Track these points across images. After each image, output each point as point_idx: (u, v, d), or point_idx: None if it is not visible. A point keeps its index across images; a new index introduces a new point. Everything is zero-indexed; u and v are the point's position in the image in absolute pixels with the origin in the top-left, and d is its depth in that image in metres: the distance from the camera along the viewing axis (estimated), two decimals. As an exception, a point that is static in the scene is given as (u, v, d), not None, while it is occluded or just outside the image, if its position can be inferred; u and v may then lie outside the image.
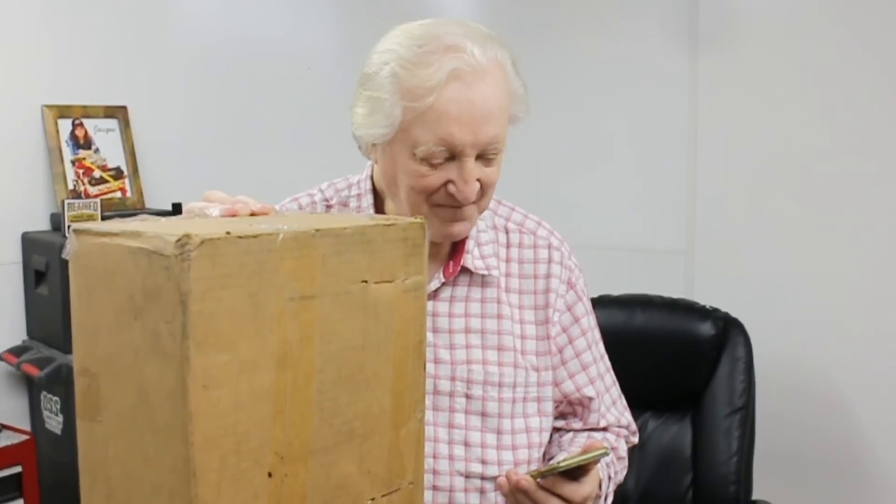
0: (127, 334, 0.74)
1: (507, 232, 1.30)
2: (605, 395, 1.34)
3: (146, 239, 0.72)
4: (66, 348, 2.27)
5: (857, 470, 2.58)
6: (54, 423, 2.35)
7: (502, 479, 1.09)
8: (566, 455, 1.18)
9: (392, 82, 1.11)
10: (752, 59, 2.70)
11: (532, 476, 1.08)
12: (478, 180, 1.14)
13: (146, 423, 0.74)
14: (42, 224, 2.48)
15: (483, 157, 1.14)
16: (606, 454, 1.08)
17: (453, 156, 1.12)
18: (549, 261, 1.29)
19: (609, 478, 1.27)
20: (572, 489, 1.09)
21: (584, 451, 1.08)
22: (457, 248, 1.25)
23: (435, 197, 1.15)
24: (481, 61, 1.10)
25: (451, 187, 1.14)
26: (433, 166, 1.13)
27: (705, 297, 2.36)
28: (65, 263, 0.81)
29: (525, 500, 1.08)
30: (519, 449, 1.23)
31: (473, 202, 1.16)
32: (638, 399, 1.52)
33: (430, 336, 1.20)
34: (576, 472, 1.08)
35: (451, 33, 1.12)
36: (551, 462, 1.16)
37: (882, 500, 2.55)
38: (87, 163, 2.54)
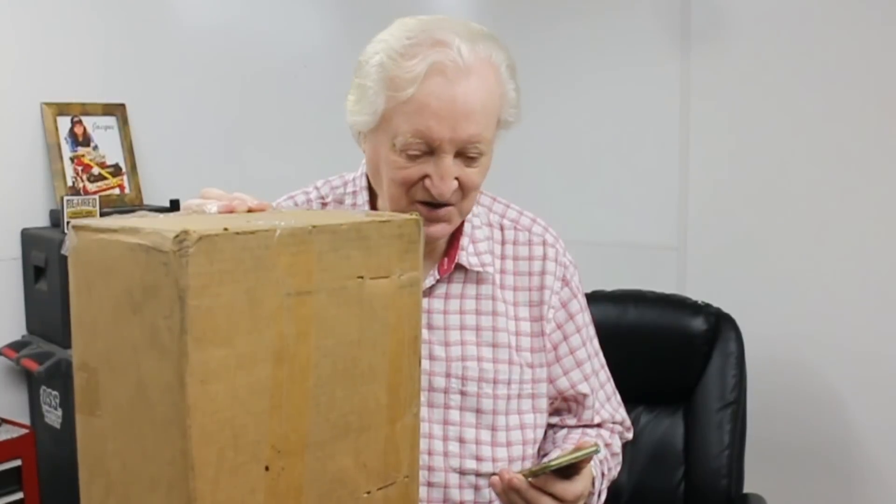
0: (125, 329, 0.75)
1: (501, 229, 1.30)
2: (600, 392, 1.34)
3: (144, 235, 0.73)
4: (66, 343, 2.27)
5: (847, 463, 2.60)
6: (53, 417, 2.36)
7: (495, 479, 1.09)
8: (559, 453, 1.19)
9: (378, 71, 1.12)
10: (744, 55, 2.71)
11: (524, 475, 1.08)
12: (457, 179, 1.13)
13: (144, 418, 0.75)
14: (41, 220, 2.49)
15: (463, 155, 1.13)
16: (597, 452, 1.07)
17: (431, 150, 1.12)
18: (544, 258, 1.29)
19: (602, 474, 1.27)
20: (564, 487, 1.09)
21: (576, 450, 1.08)
22: (452, 245, 1.25)
23: (413, 191, 1.15)
24: (468, 59, 1.10)
25: (427, 182, 1.13)
26: (411, 159, 1.12)
27: (697, 293, 2.36)
28: (64, 259, 0.81)
29: (517, 499, 1.08)
30: (513, 445, 1.23)
31: (452, 204, 1.16)
32: (630, 393, 1.53)
33: (425, 333, 1.20)
34: (568, 471, 1.08)
35: (444, 29, 1.12)
36: (543, 461, 1.17)
37: (871, 493, 2.57)
38: (86, 160, 2.55)
